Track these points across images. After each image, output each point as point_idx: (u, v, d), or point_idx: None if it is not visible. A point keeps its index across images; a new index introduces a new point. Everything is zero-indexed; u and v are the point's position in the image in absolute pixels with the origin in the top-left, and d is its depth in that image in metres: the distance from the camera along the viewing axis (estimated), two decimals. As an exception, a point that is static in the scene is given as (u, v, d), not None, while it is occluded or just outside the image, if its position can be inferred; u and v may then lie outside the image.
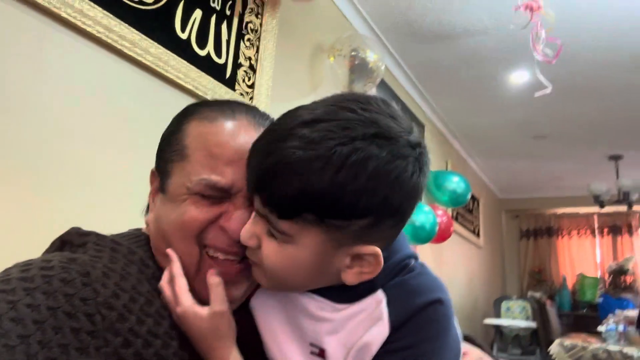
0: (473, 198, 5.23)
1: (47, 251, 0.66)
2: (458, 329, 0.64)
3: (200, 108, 0.69)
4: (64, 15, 1.21)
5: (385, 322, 0.58)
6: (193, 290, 0.65)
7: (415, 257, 0.65)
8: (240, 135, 0.65)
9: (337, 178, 0.51)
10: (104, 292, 0.57)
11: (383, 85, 3.11)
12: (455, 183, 3.77)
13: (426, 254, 3.82)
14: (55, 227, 1.17)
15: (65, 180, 1.24)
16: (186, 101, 1.58)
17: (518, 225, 7.37)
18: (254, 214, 0.60)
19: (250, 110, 0.70)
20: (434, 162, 4.11)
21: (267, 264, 0.58)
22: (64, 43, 1.25)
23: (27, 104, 1.16)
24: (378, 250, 0.57)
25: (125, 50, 1.38)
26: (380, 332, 0.58)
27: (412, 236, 3.07)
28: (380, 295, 0.60)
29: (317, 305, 0.62)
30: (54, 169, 1.21)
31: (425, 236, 3.09)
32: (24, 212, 1.14)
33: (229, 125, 0.66)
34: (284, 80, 2.11)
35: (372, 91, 2.96)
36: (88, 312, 0.54)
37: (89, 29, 1.28)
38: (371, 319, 0.59)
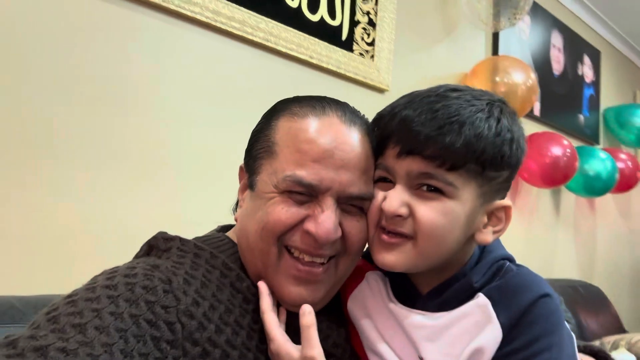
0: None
1: (137, 255, 0.70)
2: (573, 335, 0.63)
3: (290, 104, 0.68)
4: (172, 7, 1.25)
5: (496, 325, 0.57)
6: (272, 289, 0.65)
7: (511, 259, 0.65)
8: (331, 132, 0.64)
9: (500, 126, 0.59)
10: (185, 300, 0.57)
11: (539, 11, 2.64)
12: (644, 118, 3.10)
13: (607, 207, 3.27)
14: (186, 215, 1.28)
15: (195, 169, 1.32)
16: (302, 73, 1.56)
17: None
18: (398, 187, 0.60)
19: (341, 106, 0.68)
20: (617, 94, 3.42)
21: (425, 224, 0.58)
22: (177, 34, 1.30)
23: (150, 98, 1.25)
24: (509, 202, 0.63)
25: (235, 31, 1.38)
26: (492, 335, 0.57)
27: (585, 189, 2.63)
28: (482, 299, 0.60)
29: (416, 314, 0.63)
30: (183, 159, 1.30)
31: (602, 187, 2.62)
32: (162, 204, 1.25)
33: (319, 122, 0.65)
34: (408, 30, 1.91)
35: (524, 21, 2.54)
36: (169, 320, 0.54)
37: (197, 17, 1.30)
38: (478, 324, 0.59)
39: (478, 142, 0.57)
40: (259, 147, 0.68)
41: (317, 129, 0.64)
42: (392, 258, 0.61)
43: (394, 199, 0.59)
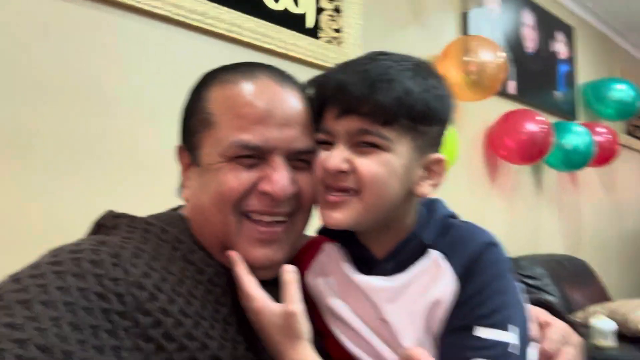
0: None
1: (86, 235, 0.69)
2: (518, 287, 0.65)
3: (218, 74, 0.69)
4: (130, 2, 1.26)
5: (451, 275, 0.61)
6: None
7: (455, 216, 0.69)
8: (266, 93, 0.65)
9: (427, 83, 0.63)
10: (135, 272, 0.56)
11: (508, -8, 2.65)
12: (621, 91, 3.14)
13: (590, 181, 3.30)
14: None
15: (168, 169, 1.33)
16: (268, 62, 1.56)
17: None
18: (339, 145, 0.63)
19: (269, 68, 0.70)
20: (594, 70, 3.45)
21: (366, 174, 0.61)
22: (137, 29, 1.30)
23: (121, 95, 1.26)
24: (443, 156, 0.66)
25: (197, 23, 1.39)
26: (448, 286, 0.61)
27: (564, 163, 2.67)
28: (434, 253, 0.64)
29: (374, 278, 0.66)
30: (155, 159, 1.31)
31: (580, 160, 2.65)
32: (134, 204, 1.26)
33: (252, 84, 0.66)
34: (376, 15, 1.93)
35: (494, 1, 2.56)
36: (119, 292, 0.54)
37: (159, 11, 1.31)
38: (433, 278, 0.62)
39: (407, 98, 0.60)
40: (195, 122, 0.68)
41: (252, 91, 0.65)
42: (340, 215, 0.63)
43: (335, 157, 0.62)
